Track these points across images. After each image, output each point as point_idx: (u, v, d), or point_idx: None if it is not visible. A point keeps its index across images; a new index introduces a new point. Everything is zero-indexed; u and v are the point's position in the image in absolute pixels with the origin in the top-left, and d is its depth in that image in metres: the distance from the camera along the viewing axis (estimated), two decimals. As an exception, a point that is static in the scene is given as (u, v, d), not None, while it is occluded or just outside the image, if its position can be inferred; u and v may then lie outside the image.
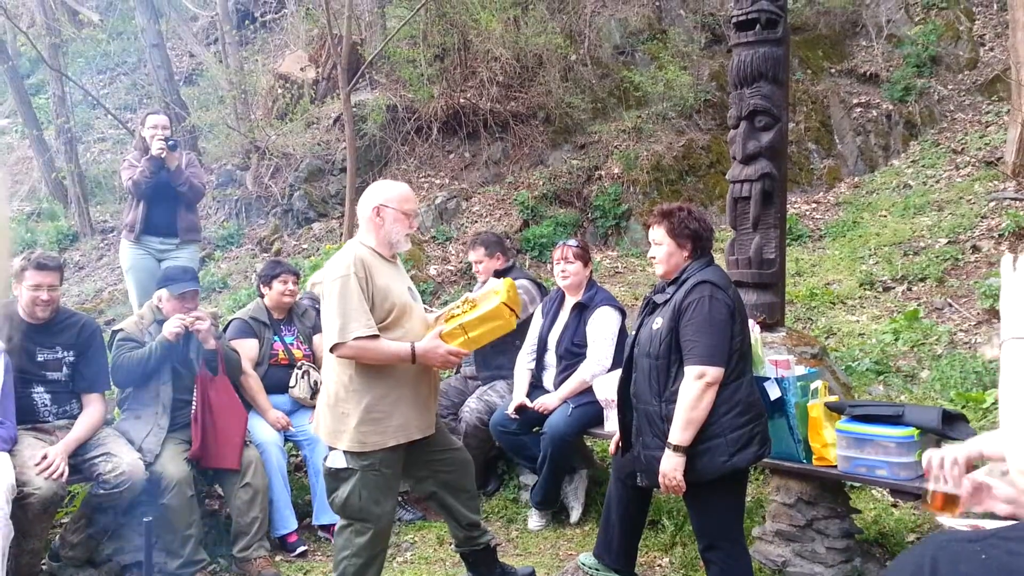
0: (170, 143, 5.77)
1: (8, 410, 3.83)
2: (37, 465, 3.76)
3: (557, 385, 4.75)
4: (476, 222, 9.85)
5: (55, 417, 4.15)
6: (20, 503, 3.62)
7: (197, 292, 4.54)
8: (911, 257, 8.25)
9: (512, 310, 3.48)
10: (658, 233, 3.38)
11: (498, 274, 5.29)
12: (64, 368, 4.17)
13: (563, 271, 4.78)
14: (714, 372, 3.12)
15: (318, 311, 5.19)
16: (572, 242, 4.89)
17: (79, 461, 4.03)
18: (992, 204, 8.70)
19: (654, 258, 3.42)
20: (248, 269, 9.60)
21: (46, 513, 3.79)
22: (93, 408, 4.20)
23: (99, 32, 14.23)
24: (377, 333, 3.28)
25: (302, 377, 4.90)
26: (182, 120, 11.44)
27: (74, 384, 4.21)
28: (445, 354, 3.40)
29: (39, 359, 4.10)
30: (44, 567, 4.10)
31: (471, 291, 5.14)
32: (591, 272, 4.95)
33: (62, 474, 3.80)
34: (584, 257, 4.83)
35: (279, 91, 11.48)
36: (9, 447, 3.74)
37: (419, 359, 3.36)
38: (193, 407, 4.33)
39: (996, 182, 9.14)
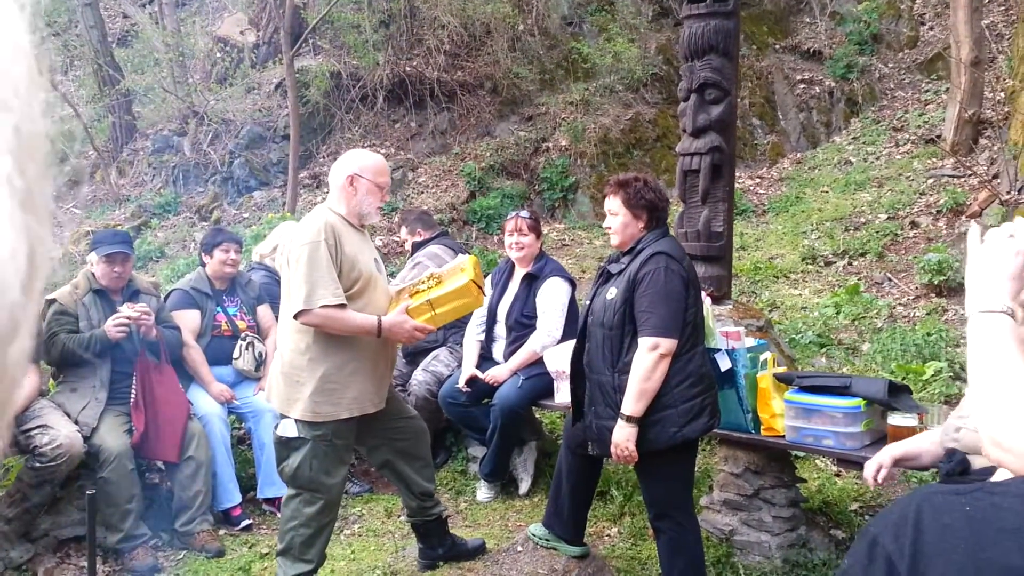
0: None
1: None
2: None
3: (507, 357, 4.72)
4: (423, 193, 9.75)
5: None
6: (-50, 477, 3.48)
7: (128, 256, 4.38)
8: (852, 232, 8.40)
9: (480, 287, 3.45)
10: (614, 203, 3.35)
11: (415, 247, 5.38)
12: None
13: (517, 243, 4.74)
14: (668, 343, 3.12)
15: (270, 282, 5.08)
16: (525, 213, 4.84)
17: (14, 433, 3.88)
18: (931, 181, 8.90)
19: (609, 228, 3.39)
20: (186, 238, 9.36)
21: (-21, 486, 3.66)
22: (27, 379, 4.03)
23: (27, -11, 13.63)
24: (344, 303, 3.21)
25: (246, 349, 4.79)
26: (116, 83, 11.06)
27: None
28: (411, 329, 3.35)
29: None
30: (-24, 542, 3.95)
31: (412, 267, 5.15)
32: (541, 244, 4.92)
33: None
34: (536, 228, 4.79)
35: (218, 55, 11.17)
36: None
37: (385, 333, 3.31)
38: (133, 393, 4.20)
39: (935, 159, 9.35)
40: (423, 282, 3.54)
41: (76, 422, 3.94)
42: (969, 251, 1.45)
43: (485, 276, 5.12)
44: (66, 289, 4.35)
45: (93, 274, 4.34)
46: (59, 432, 3.84)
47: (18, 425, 3.89)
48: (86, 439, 3.93)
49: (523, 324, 4.72)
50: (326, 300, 3.16)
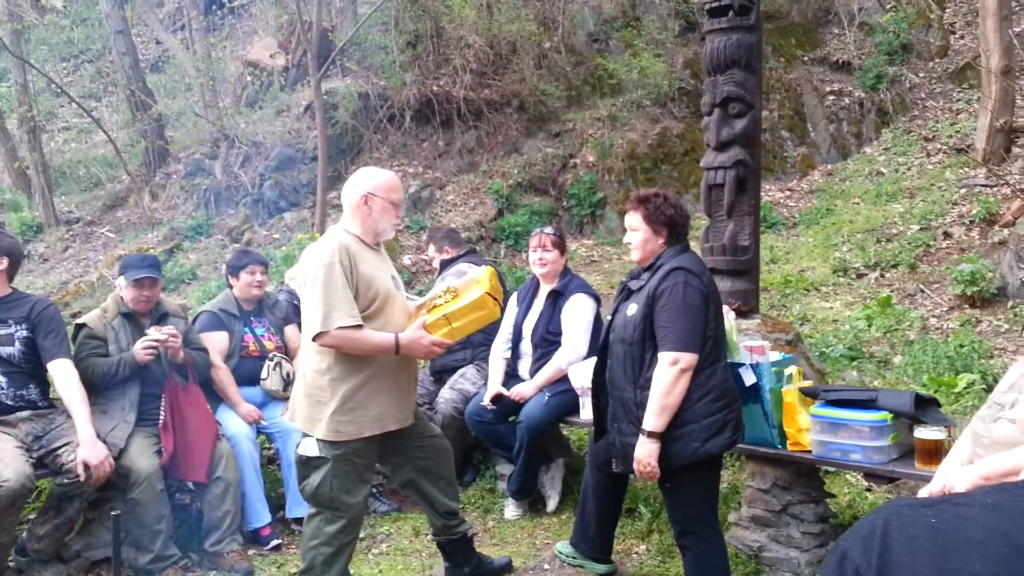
0: None
1: (-28, 405, 3.74)
2: (86, 468, 3.78)
3: (533, 373, 4.72)
4: (450, 211, 9.80)
5: (12, 401, 4.03)
6: (-13, 497, 3.53)
7: (156, 280, 4.43)
8: (884, 244, 8.30)
9: (495, 299, 3.44)
10: (634, 219, 3.35)
11: (443, 265, 5.37)
12: (16, 344, 4.03)
13: (540, 259, 4.74)
14: (688, 358, 3.10)
15: (290, 305, 5.13)
16: (549, 229, 4.85)
17: (43, 454, 3.94)
18: (963, 191, 8.78)
19: (630, 244, 3.39)
20: (218, 260, 9.48)
21: (13, 507, 3.70)
22: (66, 374, 4.03)
23: (62, 18, 13.97)
24: (361, 323, 3.22)
25: (274, 369, 4.83)
26: (148, 108, 11.27)
27: (33, 361, 4.07)
28: (429, 344, 3.34)
29: None
30: (11, 563, 4.01)
31: (439, 283, 5.18)
32: (567, 260, 4.92)
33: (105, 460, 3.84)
34: (561, 245, 4.79)
35: (248, 78, 11.34)
36: (-28, 442, 3.65)
37: (403, 350, 3.31)
38: (162, 416, 4.25)
39: (967, 169, 9.22)
40: (440, 296, 3.54)
41: (104, 441, 3.99)
42: None
43: (512, 292, 5.14)
44: (96, 313, 4.42)
45: (122, 298, 4.40)
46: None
47: (47, 445, 3.95)
48: (116, 459, 3.97)
49: (549, 341, 4.71)
50: (342, 321, 3.17)
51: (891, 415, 3.35)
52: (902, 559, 1.00)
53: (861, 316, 6.90)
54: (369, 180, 3.45)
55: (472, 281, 3.55)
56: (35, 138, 11.65)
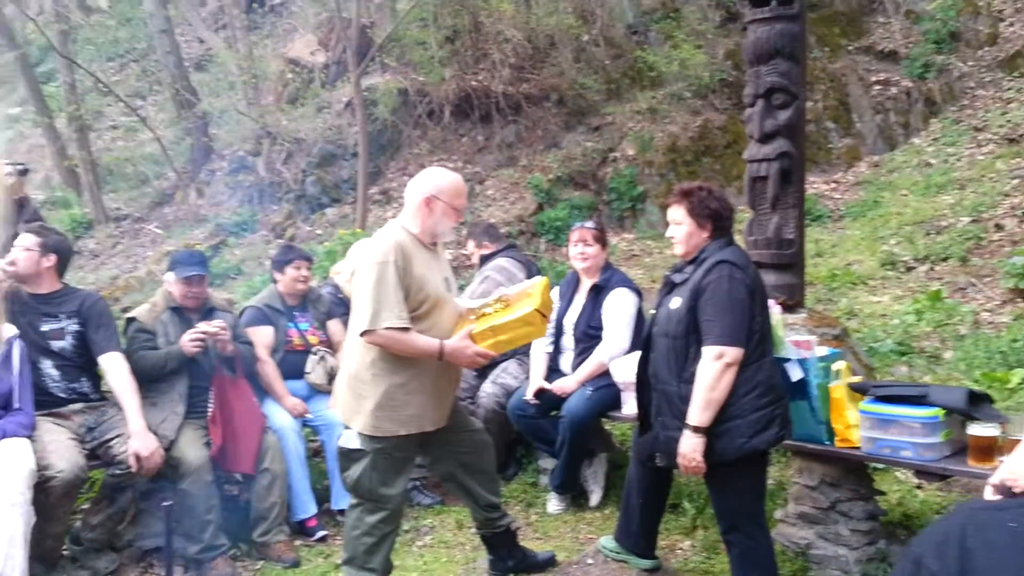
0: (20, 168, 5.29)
1: (26, 397, 3.82)
2: (138, 460, 3.87)
3: (575, 368, 4.71)
4: (490, 206, 9.80)
5: (64, 394, 4.12)
6: (42, 487, 3.62)
7: (204, 277, 4.50)
8: (933, 236, 8.14)
9: (544, 316, 3.40)
10: (678, 213, 3.32)
11: (482, 260, 5.38)
12: (68, 338, 4.12)
13: (581, 253, 4.72)
14: (733, 352, 3.07)
15: (333, 299, 5.18)
16: (590, 224, 4.83)
17: (96, 446, 4.03)
18: (1015, 182, 8.57)
19: (673, 238, 3.36)
20: (262, 255, 9.59)
21: (67, 496, 3.79)
22: (117, 367, 4.11)
23: (108, 19, 14.21)
24: (409, 326, 3.23)
25: (318, 363, 4.87)
26: (193, 106, 11.43)
27: (84, 355, 4.16)
28: (473, 355, 3.33)
29: (43, 329, 4.08)
30: (66, 551, 4.11)
31: (481, 281, 5.18)
32: (608, 254, 4.90)
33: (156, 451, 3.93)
34: (602, 239, 4.77)
35: (289, 76, 11.45)
36: (29, 433, 3.74)
37: (447, 357, 3.30)
38: (211, 408, 4.32)
39: (1018, 159, 9.00)
40: (490, 305, 3.51)
41: (155, 434, 4.06)
42: None
43: (553, 287, 5.13)
44: (145, 307, 4.50)
45: (170, 292, 4.48)
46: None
47: (99, 436, 4.04)
48: (166, 451, 4.05)
49: (590, 335, 4.69)
50: (390, 322, 3.18)
51: (943, 411, 3.29)
52: (982, 564, 0.97)
53: (910, 310, 6.77)
54: (434, 182, 3.43)
55: (524, 293, 3.52)
56: (83, 137, 11.87)
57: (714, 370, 3.06)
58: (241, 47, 12.24)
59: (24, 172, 5.30)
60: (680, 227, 3.31)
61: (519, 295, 3.53)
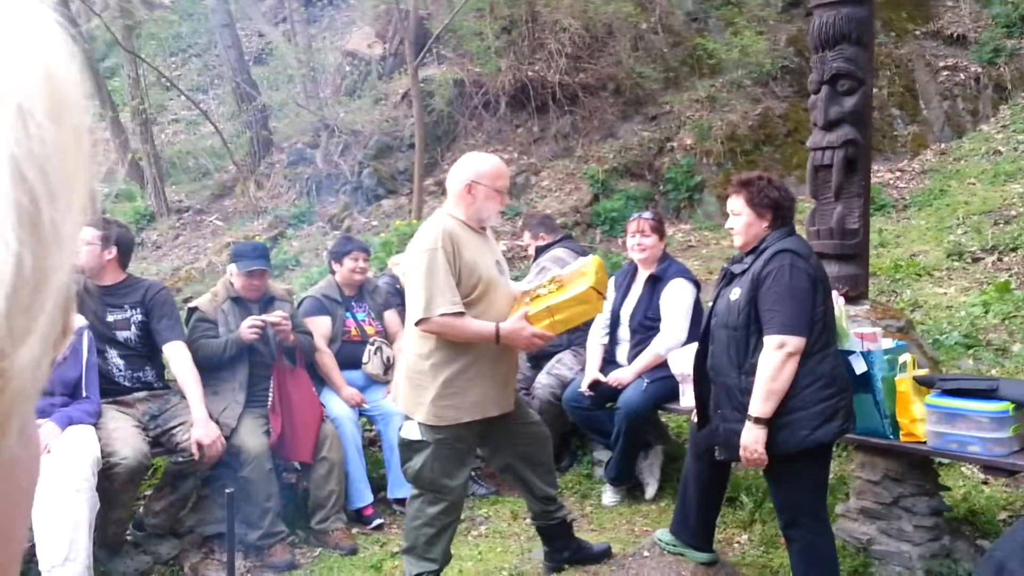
0: None
1: (93, 385, 3.92)
2: (200, 447, 3.95)
3: (631, 359, 4.67)
4: (545, 197, 9.77)
5: (129, 383, 4.22)
6: (106, 474, 3.71)
7: (266, 271, 4.56)
8: (1002, 226, 7.88)
9: (600, 293, 3.37)
10: (737, 203, 3.26)
11: (538, 251, 5.36)
12: (133, 328, 4.21)
13: (639, 244, 4.68)
14: (795, 342, 3.01)
15: (390, 289, 5.22)
16: (647, 214, 4.78)
17: (159, 433, 4.11)
18: (1089, 169, 8.25)
19: (732, 229, 3.30)
20: (319, 247, 9.69)
21: (131, 483, 3.89)
22: (180, 356, 4.19)
23: (170, 14, 14.48)
24: (462, 311, 3.23)
25: (375, 353, 4.92)
26: (253, 100, 11.59)
27: (149, 344, 4.25)
28: (530, 336, 3.31)
29: (108, 319, 4.18)
30: (129, 537, 4.21)
31: (537, 272, 5.16)
32: (665, 245, 4.84)
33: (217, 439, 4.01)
34: (660, 230, 4.72)
35: (347, 68, 11.54)
36: (95, 420, 3.83)
37: (503, 340, 3.29)
38: (270, 397, 4.38)
39: (1093, 146, 8.66)
40: (544, 286, 3.49)
41: (217, 422, 4.14)
42: None
43: (609, 278, 5.09)
44: (206, 297, 4.59)
45: (231, 283, 4.55)
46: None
47: (162, 425, 4.13)
48: (227, 439, 4.12)
49: (647, 327, 4.65)
50: (444, 308, 3.18)
51: (1013, 406, 3.19)
52: None
53: (977, 302, 6.56)
54: (473, 167, 3.43)
55: (578, 272, 3.49)
56: (147, 130, 12.12)
57: (775, 360, 3.00)
58: (300, 40, 12.39)
59: None
60: (739, 217, 3.25)
61: (573, 274, 3.50)
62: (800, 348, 3.01)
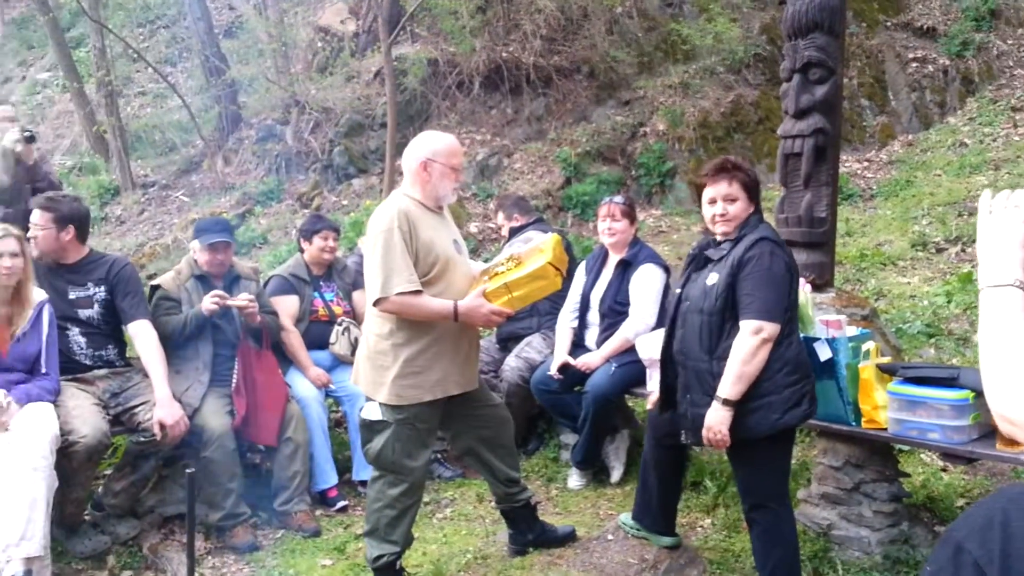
0: (27, 135, 5.32)
1: (53, 362, 3.84)
2: (162, 428, 3.87)
3: (600, 344, 4.68)
4: (518, 179, 9.74)
5: (90, 360, 4.15)
6: (65, 452, 3.64)
7: (229, 244, 4.50)
8: (966, 218, 7.99)
9: (558, 269, 3.38)
10: (732, 188, 3.19)
11: (512, 232, 5.30)
12: (96, 306, 4.13)
13: (609, 228, 4.68)
14: (771, 328, 3.03)
15: (359, 269, 5.17)
16: (619, 199, 4.78)
17: (120, 412, 4.05)
18: (1053, 163, 8.39)
19: (724, 215, 3.21)
20: (288, 225, 9.61)
21: (90, 462, 3.82)
22: (145, 335, 4.13)
23: (138, -17, 14.20)
24: (420, 289, 3.22)
25: (342, 333, 4.88)
26: (222, 74, 11.41)
27: (111, 322, 4.18)
28: (488, 313, 3.32)
29: (71, 297, 4.10)
30: (87, 517, 4.14)
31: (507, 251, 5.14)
32: (636, 230, 4.84)
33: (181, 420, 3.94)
34: (630, 214, 4.72)
35: (319, 44, 11.41)
36: (54, 398, 3.76)
37: (461, 318, 3.29)
38: (235, 379, 4.33)
39: (1057, 140, 8.80)
40: (503, 263, 3.49)
41: (179, 401, 4.08)
42: (979, 222, 1.40)
43: (579, 261, 5.09)
44: (170, 275, 4.52)
45: (195, 260, 4.48)
46: None
47: (124, 403, 4.06)
48: (190, 419, 4.06)
49: (616, 311, 4.66)
50: (401, 287, 3.18)
51: (973, 394, 3.23)
52: None
53: (940, 292, 6.66)
54: (428, 146, 3.43)
55: (536, 249, 3.49)
56: (112, 102, 11.90)
57: (751, 344, 3.02)
58: (271, 14, 12.20)
59: (31, 139, 5.30)
60: (735, 203, 3.21)
61: (531, 251, 3.50)
62: (775, 335, 3.03)
